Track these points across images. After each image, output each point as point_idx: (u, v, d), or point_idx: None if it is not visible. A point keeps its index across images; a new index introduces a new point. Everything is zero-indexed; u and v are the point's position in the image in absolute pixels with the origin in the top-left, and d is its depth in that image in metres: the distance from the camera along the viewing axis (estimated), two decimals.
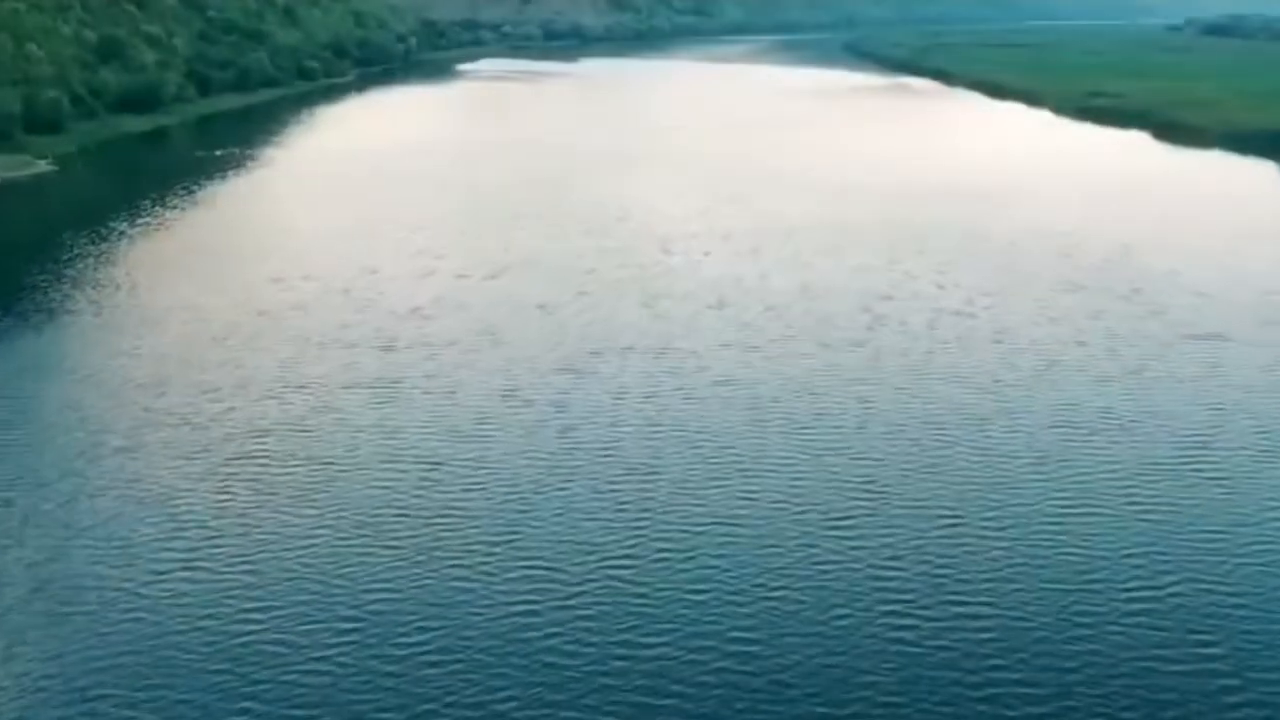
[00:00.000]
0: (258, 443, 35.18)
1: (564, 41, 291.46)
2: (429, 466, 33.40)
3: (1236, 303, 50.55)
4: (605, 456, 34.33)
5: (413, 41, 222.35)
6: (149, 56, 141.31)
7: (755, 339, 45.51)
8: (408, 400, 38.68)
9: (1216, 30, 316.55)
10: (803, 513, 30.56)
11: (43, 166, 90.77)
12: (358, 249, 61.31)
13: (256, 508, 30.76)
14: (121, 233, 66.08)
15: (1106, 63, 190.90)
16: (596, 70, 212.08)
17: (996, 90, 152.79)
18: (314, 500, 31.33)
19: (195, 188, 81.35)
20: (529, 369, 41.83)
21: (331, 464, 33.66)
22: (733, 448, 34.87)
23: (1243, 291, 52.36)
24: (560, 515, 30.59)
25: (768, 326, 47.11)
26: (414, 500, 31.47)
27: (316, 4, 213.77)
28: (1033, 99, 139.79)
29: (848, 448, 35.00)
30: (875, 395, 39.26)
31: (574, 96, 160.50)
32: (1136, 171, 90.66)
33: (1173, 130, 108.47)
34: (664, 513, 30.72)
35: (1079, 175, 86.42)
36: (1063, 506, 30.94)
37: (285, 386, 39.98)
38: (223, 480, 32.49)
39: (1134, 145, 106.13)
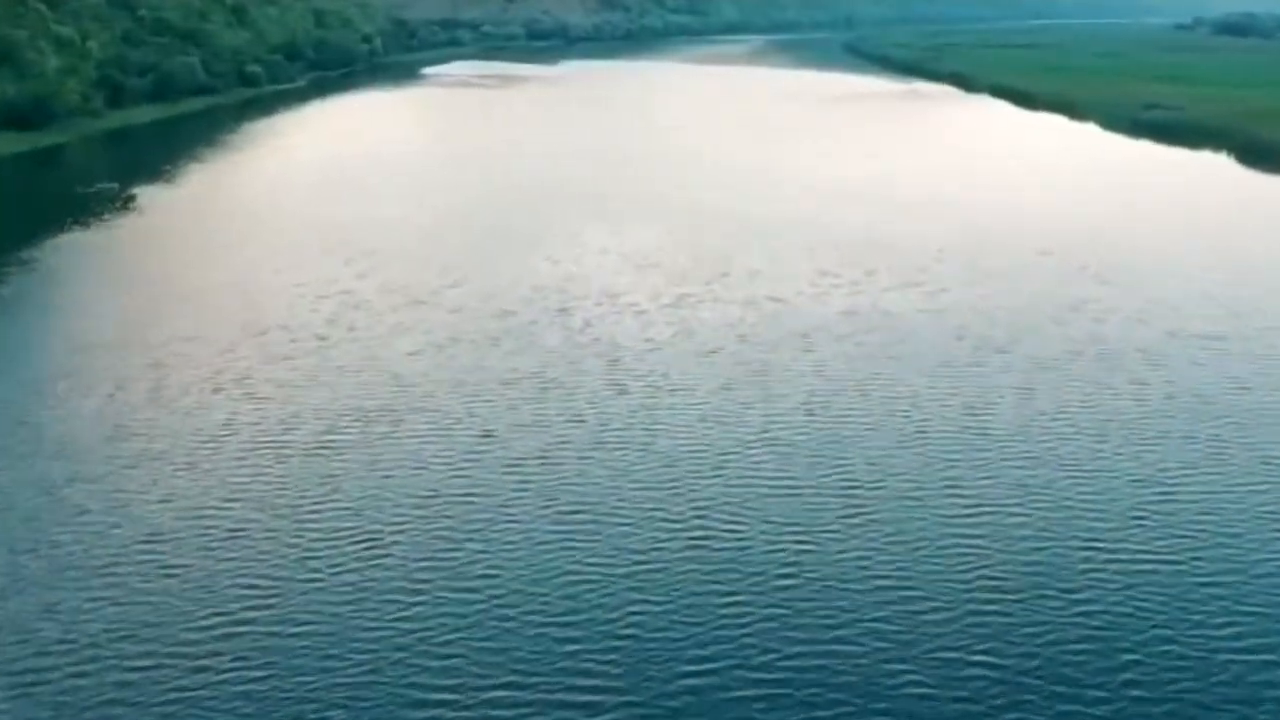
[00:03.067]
0: None
1: (548, 42, 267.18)
2: None
3: None
4: None
5: (378, 42, 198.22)
6: (52, 62, 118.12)
7: (772, 624, 22.59)
8: None
9: (1231, 29, 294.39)
10: None
11: None
12: (145, 375, 38.24)
13: None
14: None
15: (1130, 65, 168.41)
16: (577, 74, 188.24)
17: (1025, 99, 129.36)
18: None
19: (10, 250, 58.06)
20: None
21: None
22: None
23: None
24: None
25: (790, 600, 24.10)
26: None
27: (274, 2, 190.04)
28: (1072, 110, 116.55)
29: None
30: None
31: (544, 107, 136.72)
32: (1250, 214, 67.49)
33: (1261, 152, 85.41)
34: None
35: (1183, 225, 63.26)
36: None
37: None
38: None
39: (1222, 173, 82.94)
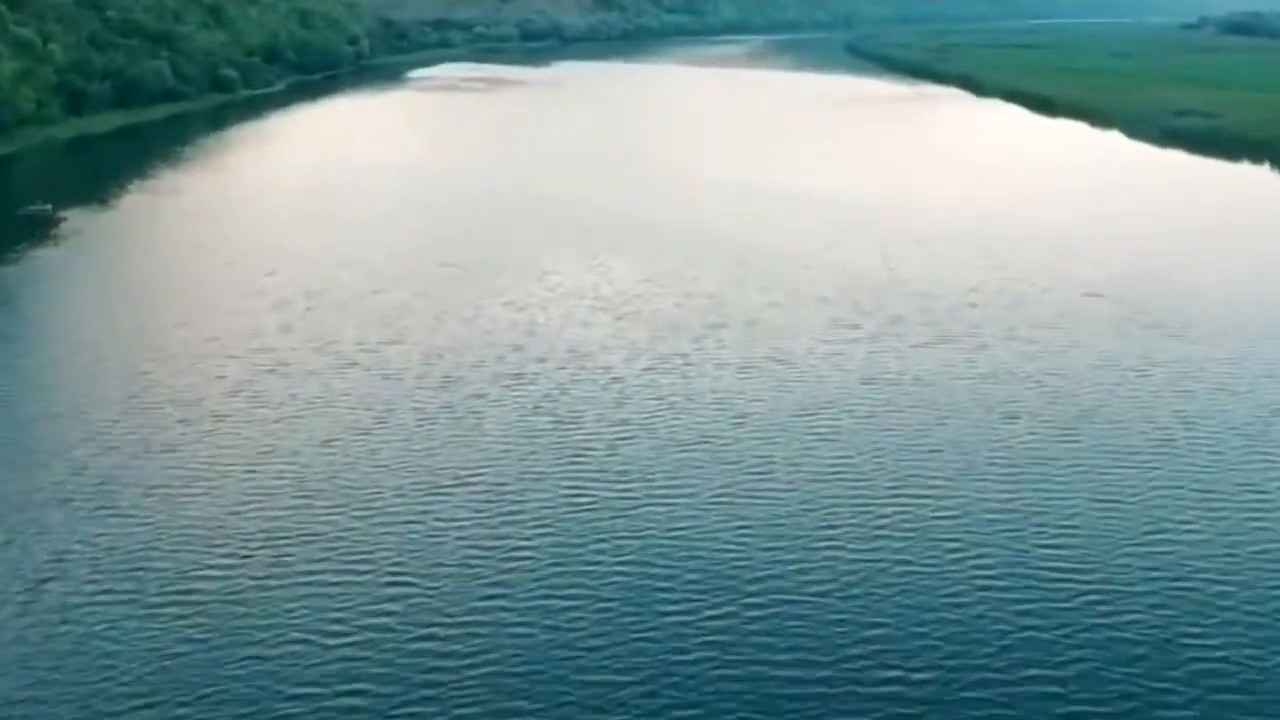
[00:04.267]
0: None
1: (542, 43, 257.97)
2: None
3: None
4: None
5: (365, 44, 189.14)
6: (8, 66, 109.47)
7: None
8: None
9: (1239, 29, 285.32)
10: None
11: None
12: None
13: None
14: None
15: (1146, 66, 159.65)
16: (569, 77, 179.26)
17: (1042, 104, 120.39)
18: None
19: None
20: None
21: None
22: None
23: None
24: None
25: None
26: None
27: (256, 2, 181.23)
28: (1094, 116, 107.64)
29: None
30: None
31: (529, 115, 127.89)
32: None
33: None
34: None
35: (1244, 259, 54.19)
36: None
37: None
38: None
39: (1274, 192, 74.25)
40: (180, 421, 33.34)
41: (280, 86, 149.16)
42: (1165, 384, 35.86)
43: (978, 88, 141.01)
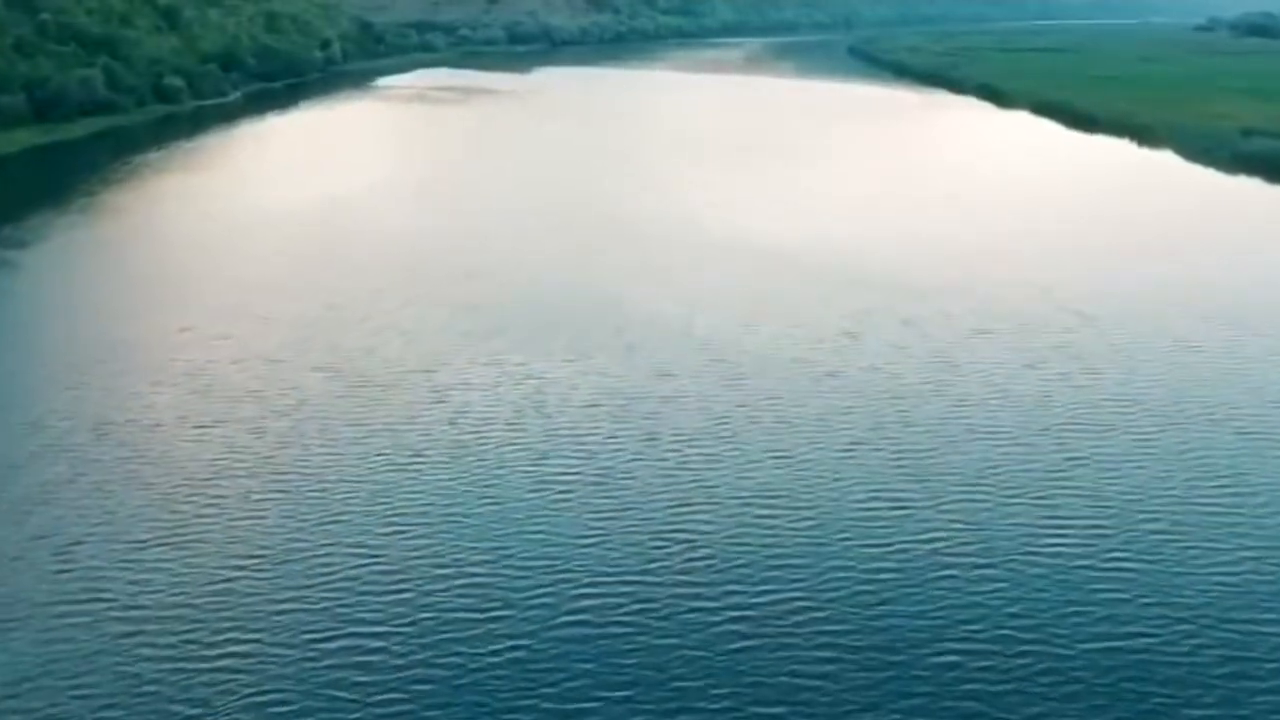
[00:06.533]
0: None
1: (531, 46, 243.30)
2: None
3: None
4: None
5: (337, 48, 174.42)
6: None
7: None
8: None
9: (1256, 30, 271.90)
10: None
11: None
12: None
13: None
14: None
15: (1175, 73, 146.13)
16: (554, 85, 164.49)
17: (1077, 118, 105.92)
18: None
19: None
20: None
21: None
22: None
23: None
24: None
25: None
26: None
27: (218, 3, 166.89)
28: (1142, 134, 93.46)
29: None
30: None
31: (499, 131, 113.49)
32: None
33: None
34: None
35: None
36: None
37: None
38: None
39: None
40: None
41: (235, 96, 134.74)
42: None
43: (1000, 98, 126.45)
